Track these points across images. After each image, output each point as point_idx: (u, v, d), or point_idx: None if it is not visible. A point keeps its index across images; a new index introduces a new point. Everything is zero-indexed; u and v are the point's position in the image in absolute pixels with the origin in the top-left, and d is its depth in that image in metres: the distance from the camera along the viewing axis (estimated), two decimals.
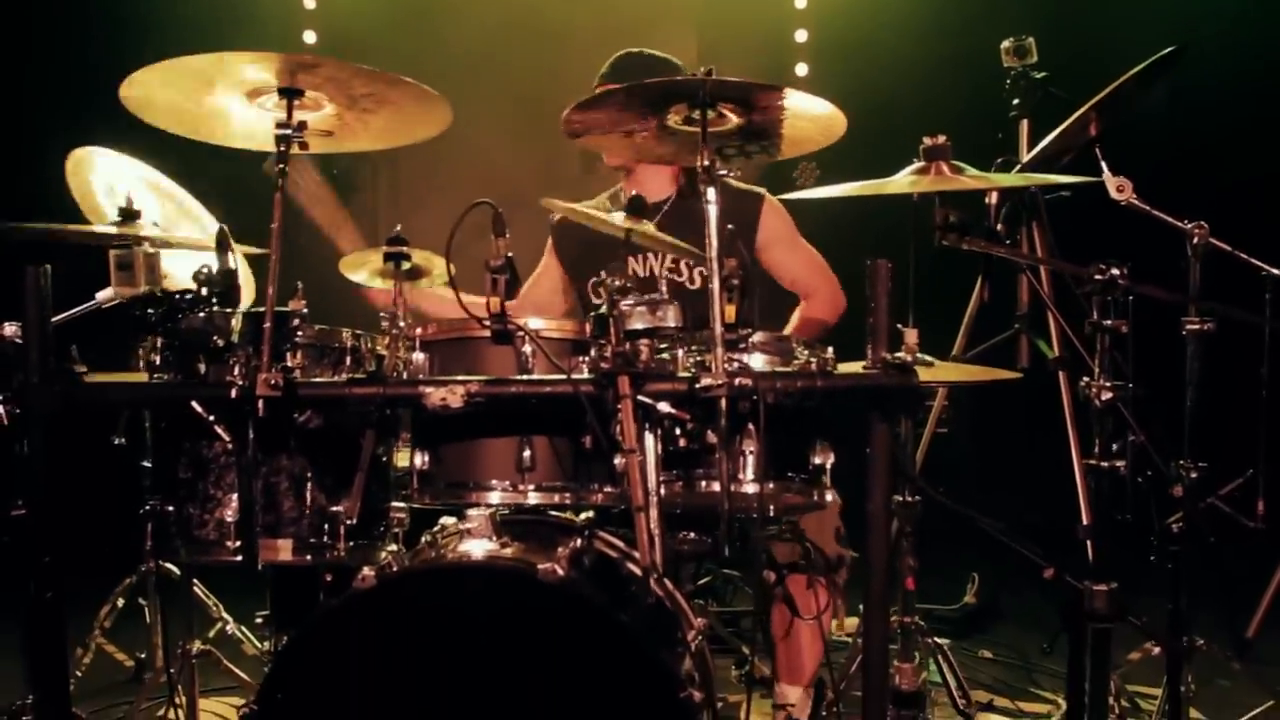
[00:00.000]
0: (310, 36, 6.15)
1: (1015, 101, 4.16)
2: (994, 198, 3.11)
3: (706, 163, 2.10)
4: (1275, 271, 3.17)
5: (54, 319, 2.24)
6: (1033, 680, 4.06)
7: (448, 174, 5.68)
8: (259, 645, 3.55)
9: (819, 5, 6.24)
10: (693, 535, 2.53)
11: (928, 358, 2.78)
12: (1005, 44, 4.13)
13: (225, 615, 3.68)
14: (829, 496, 2.35)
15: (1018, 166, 3.23)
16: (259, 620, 3.19)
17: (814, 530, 2.88)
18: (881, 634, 2.31)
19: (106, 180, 2.98)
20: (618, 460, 2.10)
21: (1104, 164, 3.01)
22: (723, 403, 2.06)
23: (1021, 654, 4.37)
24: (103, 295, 2.62)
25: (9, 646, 2.51)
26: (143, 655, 3.93)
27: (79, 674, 3.62)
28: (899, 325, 2.78)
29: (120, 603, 3.74)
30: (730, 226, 2.18)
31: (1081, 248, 2.56)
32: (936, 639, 2.85)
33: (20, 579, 2.26)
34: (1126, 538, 2.73)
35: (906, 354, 2.74)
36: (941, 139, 2.36)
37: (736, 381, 2.05)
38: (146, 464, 2.46)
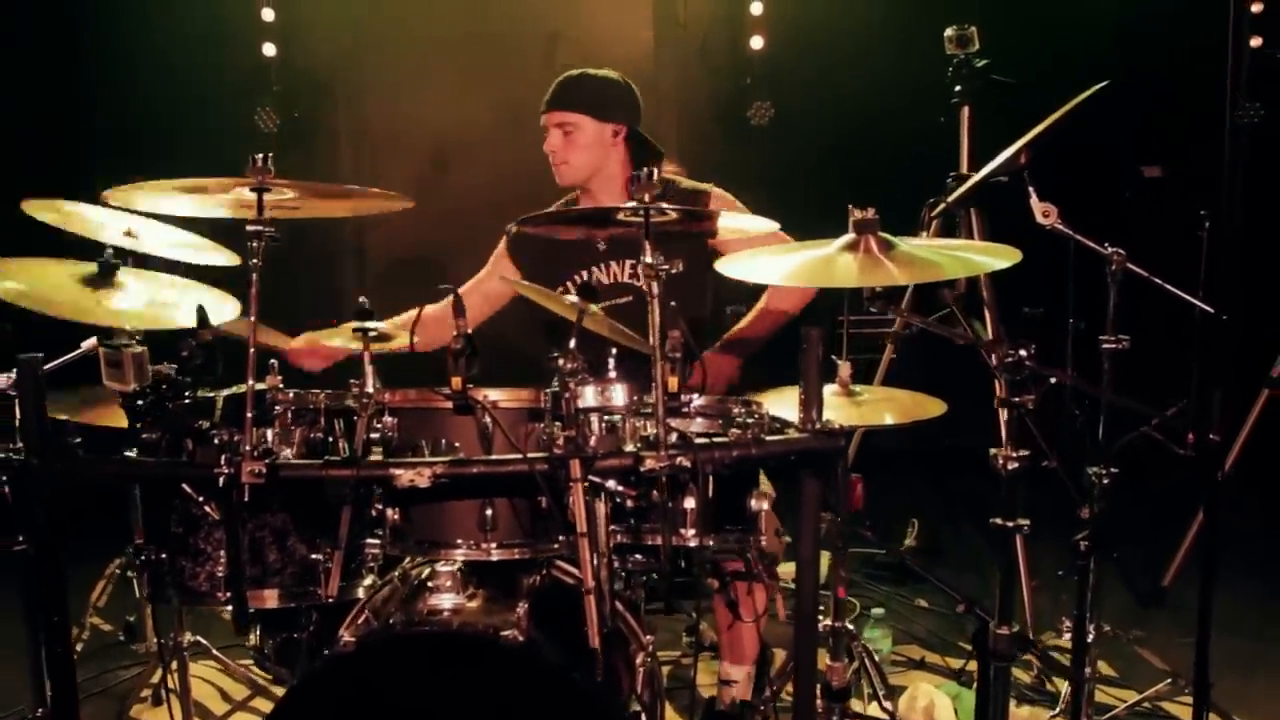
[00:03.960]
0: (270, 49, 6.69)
1: (957, 89, 4.31)
2: (925, 214, 3.27)
3: (649, 260, 2.27)
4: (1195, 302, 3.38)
5: (46, 367, 2.41)
6: (965, 632, 4.26)
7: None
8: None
9: None
10: (639, 557, 2.76)
11: (859, 389, 3.01)
12: (948, 32, 4.25)
13: None
14: (764, 540, 2.58)
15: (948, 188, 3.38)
16: None
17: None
18: (811, 646, 2.60)
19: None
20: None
21: (1031, 189, 3.19)
22: (663, 478, 2.27)
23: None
24: (88, 344, 2.80)
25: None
26: (132, 619, 4.19)
27: (77, 649, 3.88)
28: (833, 357, 3.00)
29: (115, 572, 3.98)
30: (672, 303, 2.35)
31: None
32: (865, 643, 3.11)
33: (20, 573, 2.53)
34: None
35: (839, 386, 2.97)
36: (870, 212, 2.49)
37: (677, 460, 2.25)
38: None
